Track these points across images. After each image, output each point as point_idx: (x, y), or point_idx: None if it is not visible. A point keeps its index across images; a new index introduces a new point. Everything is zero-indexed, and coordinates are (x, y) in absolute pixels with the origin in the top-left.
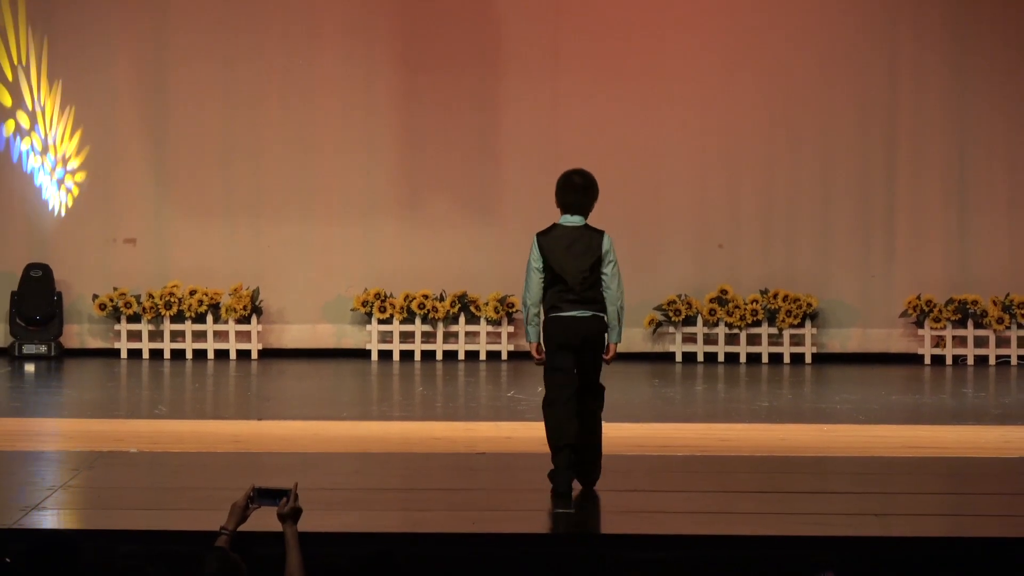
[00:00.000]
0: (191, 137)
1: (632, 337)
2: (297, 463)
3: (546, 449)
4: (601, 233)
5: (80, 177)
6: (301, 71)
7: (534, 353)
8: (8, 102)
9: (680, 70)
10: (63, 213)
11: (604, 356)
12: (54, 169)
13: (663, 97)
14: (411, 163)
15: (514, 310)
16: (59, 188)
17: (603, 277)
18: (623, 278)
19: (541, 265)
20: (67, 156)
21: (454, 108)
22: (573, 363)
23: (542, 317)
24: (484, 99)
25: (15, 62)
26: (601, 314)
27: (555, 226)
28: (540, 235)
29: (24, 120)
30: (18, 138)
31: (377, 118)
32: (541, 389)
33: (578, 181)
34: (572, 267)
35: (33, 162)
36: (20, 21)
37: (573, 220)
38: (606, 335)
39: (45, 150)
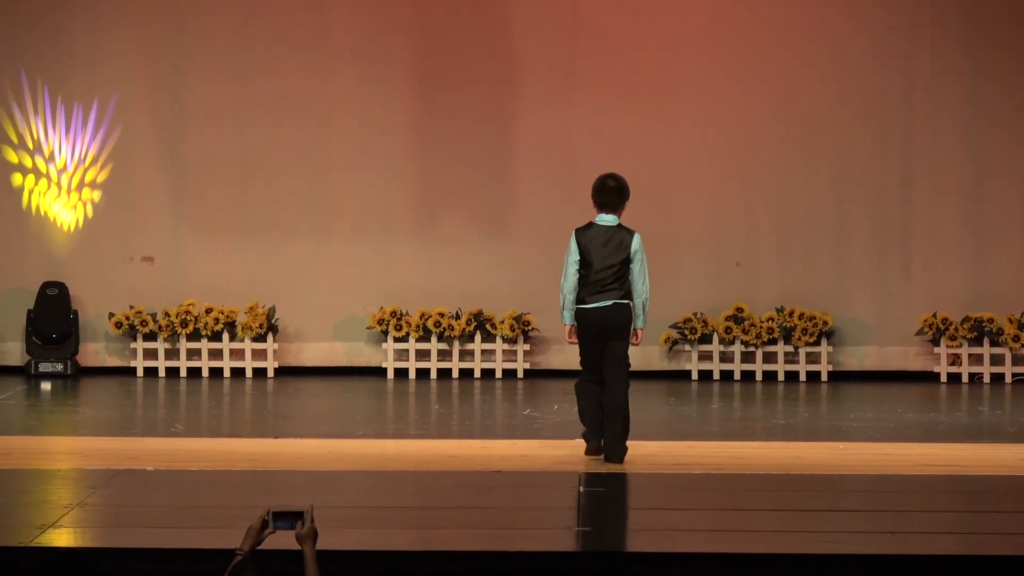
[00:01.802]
0: (208, 155)
1: (648, 355)
2: (313, 481)
3: (562, 468)
4: (632, 233)
5: (96, 196)
6: (317, 89)
7: (567, 336)
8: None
9: (695, 87)
10: (79, 227)
11: (632, 341)
12: (71, 189)
13: (678, 114)
14: (427, 181)
15: (530, 328)
16: (75, 205)
17: (631, 273)
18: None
19: (578, 258)
20: (84, 174)
21: (470, 126)
22: (599, 350)
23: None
24: (500, 117)
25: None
26: (624, 301)
27: (591, 224)
28: (578, 231)
29: (38, 137)
30: (35, 155)
31: (393, 136)
32: (557, 407)
33: (612, 184)
34: (603, 262)
35: (51, 179)
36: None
37: (608, 219)
38: (631, 322)
39: (64, 168)
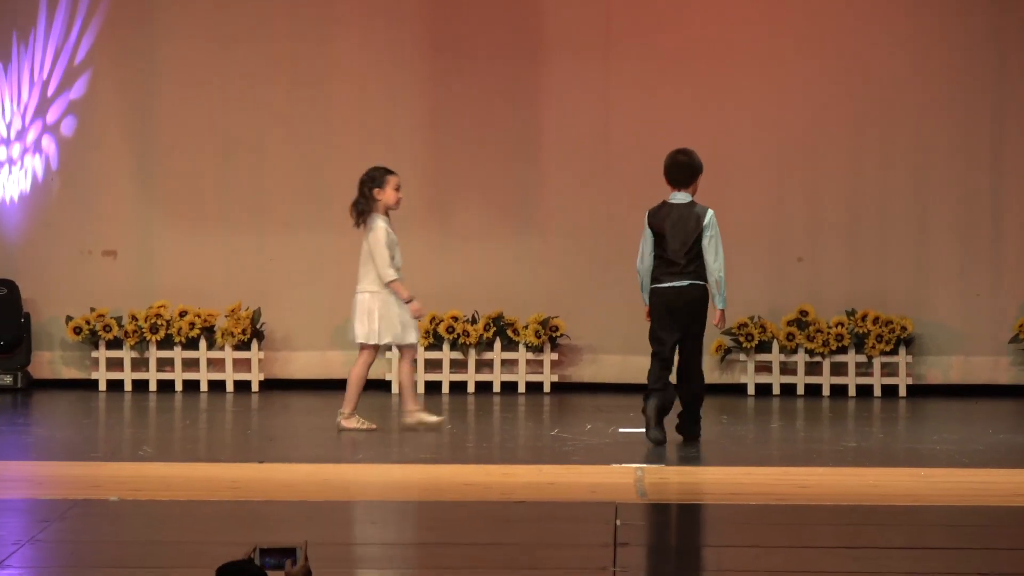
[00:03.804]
0: (182, 130)
1: None
2: (305, 513)
3: (595, 498)
4: (706, 209)
5: (51, 177)
6: (311, 55)
7: (646, 316)
8: None
9: (752, 58)
10: (31, 215)
11: (715, 323)
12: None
13: (732, 89)
14: (439, 164)
15: (559, 335)
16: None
17: (702, 248)
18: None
19: (652, 239)
20: (35, 150)
21: (489, 100)
22: (673, 329)
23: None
24: (524, 90)
25: None
26: (700, 282)
27: (664, 204)
28: (650, 212)
29: None
30: None
31: (400, 111)
32: (590, 426)
33: (683, 160)
34: (675, 241)
35: None
36: None
37: (680, 197)
38: (708, 302)
39: (8, 139)
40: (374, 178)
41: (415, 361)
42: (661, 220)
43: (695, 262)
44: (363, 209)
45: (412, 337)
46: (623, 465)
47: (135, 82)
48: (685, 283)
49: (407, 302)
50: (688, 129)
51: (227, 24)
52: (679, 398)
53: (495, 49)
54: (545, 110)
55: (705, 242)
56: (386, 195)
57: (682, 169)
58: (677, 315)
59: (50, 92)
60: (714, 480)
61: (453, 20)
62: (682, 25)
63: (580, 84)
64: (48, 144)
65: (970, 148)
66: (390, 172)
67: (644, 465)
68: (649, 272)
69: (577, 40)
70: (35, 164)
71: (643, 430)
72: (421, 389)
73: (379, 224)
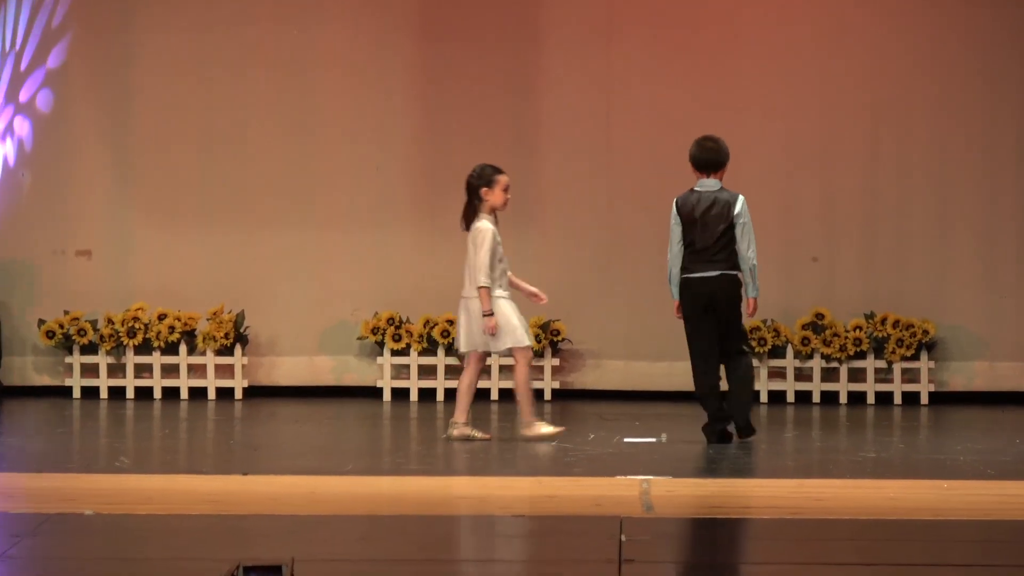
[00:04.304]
0: (160, 122)
1: None
2: (291, 528)
3: (599, 512)
4: (736, 195)
5: (21, 172)
6: (296, 42)
7: (675, 312)
8: None
9: (765, 42)
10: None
11: (748, 313)
12: None
13: (741, 78)
14: (432, 157)
15: (560, 339)
16: None
17: (734, 236)
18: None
19: (680, 228)
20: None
21: (484, 91)
22: (708, 321)
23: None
24: (521, 79)
25: None
26: (732, 272)
27: (692, 191)
28: (678, 199)
29: None
30: None
31: (391, 102)
32: (592, 436)
33: (711, 145)
34: (704, 229)
35: None
36: None
37: (709, 184)
38: (742, 290)
39: None
40: (483, 176)
41: (531, 365)
42: (690, 208)
43: (726, 250)
44: (472, 211)
45: (522, 340)
46: (628, 477)
47: (110, 72)
48: (716, 273)
49: (485, 315)
50: (694, 121)
51: (207, 9)
52: (730, 393)
53: (491, 36)
54: (543, 101)
55: (738, 231)
56: (494, 196)
57: (711, 154)
58: (710, 307)
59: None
60: (724, 493)
61: (446, 5)
62: (688, 11)
63: (580, 73)
64: (21, 125)
65: (995, 141)
66: (499, 171)
67: (650, 477)
68: (679, 262)
69: (578, 27)
70: (7, 151)
71: (650, 439)
72: (414, 397)
73: (486, 226)
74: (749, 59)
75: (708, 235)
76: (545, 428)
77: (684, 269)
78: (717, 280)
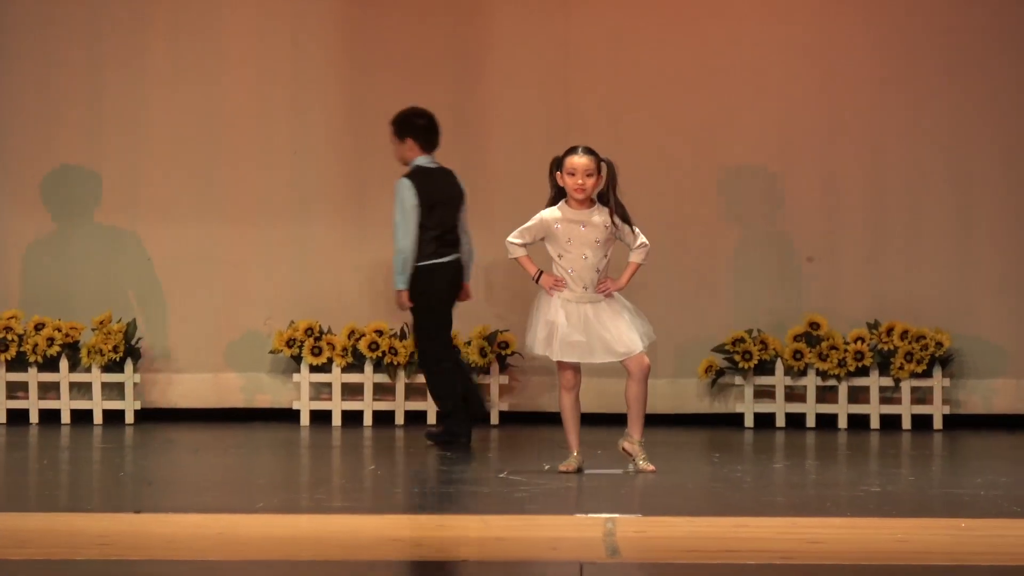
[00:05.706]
0: (36, 99)
1: (682, 391)
2: (193, 575)
3: (555, 556)
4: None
5: None
6: (198, 8)
7: (406, 303)
8: None
9: (753, 6)
10: None
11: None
12: None
13: (727, 45)
14: (358, 140)
15: (509, 352)
16: None
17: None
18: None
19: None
20: None
21: (421, 57)
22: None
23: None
24: (463, 46)
25: None
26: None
27: (427, 169)
28: (418, 179)
29: None
30: None
31: (308, 71)
32: (548, 466)
33: (433, 118)
34: (449, 211)
35: None
36: None
37: (435, 162)
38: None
39: None
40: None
41: (646, 377)
42: (438, 188)
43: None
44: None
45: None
46: (589, 515)
47: None
48: (455, 257)
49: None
50: (667, 93)
51: None
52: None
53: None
54: (488, 71)
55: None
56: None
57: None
58: (453, 296)
59: None
60: (702, 534)
61: None
62: None
63: (533, 38)
64: None
65: (1018, 131)
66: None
67: (615, 516)
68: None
69: None
70: None
71: (617, 471)
72: (337, 421)
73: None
74: (736, 21)
75: (449, 216)
76: (642, 463)
77: (435, 254)
78: (456, 264)
